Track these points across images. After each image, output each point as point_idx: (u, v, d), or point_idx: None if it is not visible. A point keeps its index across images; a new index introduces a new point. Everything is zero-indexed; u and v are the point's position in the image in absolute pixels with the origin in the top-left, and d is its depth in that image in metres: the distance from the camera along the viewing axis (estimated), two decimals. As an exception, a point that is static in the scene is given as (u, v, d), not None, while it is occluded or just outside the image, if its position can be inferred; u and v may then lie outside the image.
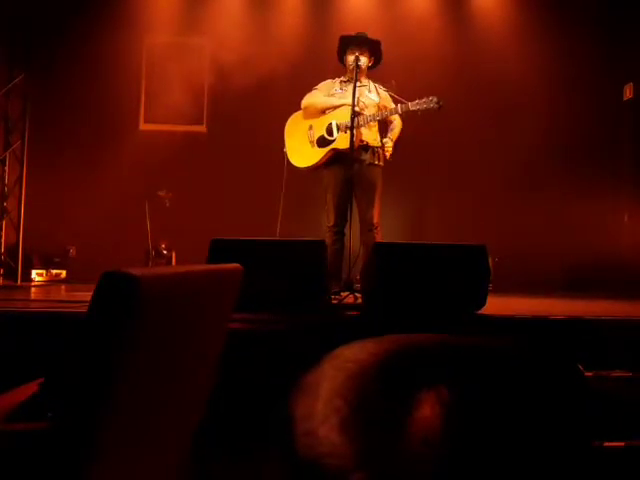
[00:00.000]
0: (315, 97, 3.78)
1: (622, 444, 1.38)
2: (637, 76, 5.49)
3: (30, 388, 1.26)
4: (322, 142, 3.69)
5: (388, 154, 3.68)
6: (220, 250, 2.48)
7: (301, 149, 3.75)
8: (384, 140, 3.69)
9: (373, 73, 3.88)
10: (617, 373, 2.07)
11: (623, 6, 5.43)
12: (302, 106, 3.80)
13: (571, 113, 5.42)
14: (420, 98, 3.49)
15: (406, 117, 3.67)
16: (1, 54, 5.19)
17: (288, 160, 3.80)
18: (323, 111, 3.73)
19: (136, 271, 0.73)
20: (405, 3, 5.68)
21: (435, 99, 3.46)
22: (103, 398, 0.74)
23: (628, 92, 5.56)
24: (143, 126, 5.70)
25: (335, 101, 3.71)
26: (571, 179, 5.41)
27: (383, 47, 3.80)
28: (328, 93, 3.78)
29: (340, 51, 3.83)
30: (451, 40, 5.51)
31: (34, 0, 5.19)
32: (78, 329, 0.73)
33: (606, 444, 1.37)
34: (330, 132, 3.67)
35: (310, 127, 3.74)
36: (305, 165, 3.74)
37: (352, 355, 0.68)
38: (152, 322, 0.81)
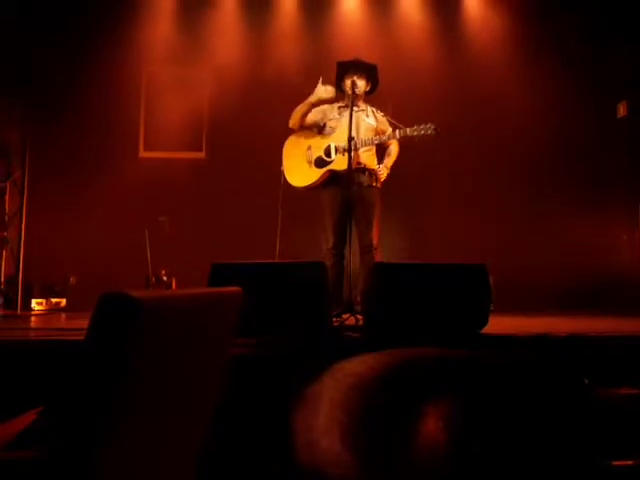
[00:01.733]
0: (294, 113, 3.81)
1: (631, 462, 1.35)
2: (630, 94, 5.54)
3: (29, 417, 1.24)
4: (320, 163, 3.71)
5: (380, 180, 3.72)
6: (220, 274, 2.47)
7: (299, 169, 3.77)
8: (379, 167, 3.72)
9: (370, 97, 3.92)
10: (625, 390, 2.05)
11: (616, 24, 5.50)
12: (290, 126, 3.83)
13: (565, 132, 5.46)
14: (418, 124, 3.52)
15: (404, 140, 3.70)
16: (1, 84, 5.24)
17: (285, 179, 3.82)
18: (307, 119, 3.75)
19: (135, 293, 0.72)
20: (400, 26, 5.77)
21: (432, 126, 3.48)
22: (103, 423, 0.73)
23: (622, 110, 5.61)
24: (143, 153, 5.74)
25: (312, 98, 3.73)
26: (568, 197, 5.43)
27: (379, 69, 3.85)
28: (326, 118, 3.82)
29: (338, 77, 3.87)
30: (446, 60, 5.58)
31: (33, 28, 5.27)
32: (77, 352, 0.73)
33: (615, 463, 1.34)
34: (328, 153, 3.70)
35: (309, 147, 3.77)
36: (302, 184, 3.76)
37: (352, 368, 0.68)
38: (152, 345, 0.80)
